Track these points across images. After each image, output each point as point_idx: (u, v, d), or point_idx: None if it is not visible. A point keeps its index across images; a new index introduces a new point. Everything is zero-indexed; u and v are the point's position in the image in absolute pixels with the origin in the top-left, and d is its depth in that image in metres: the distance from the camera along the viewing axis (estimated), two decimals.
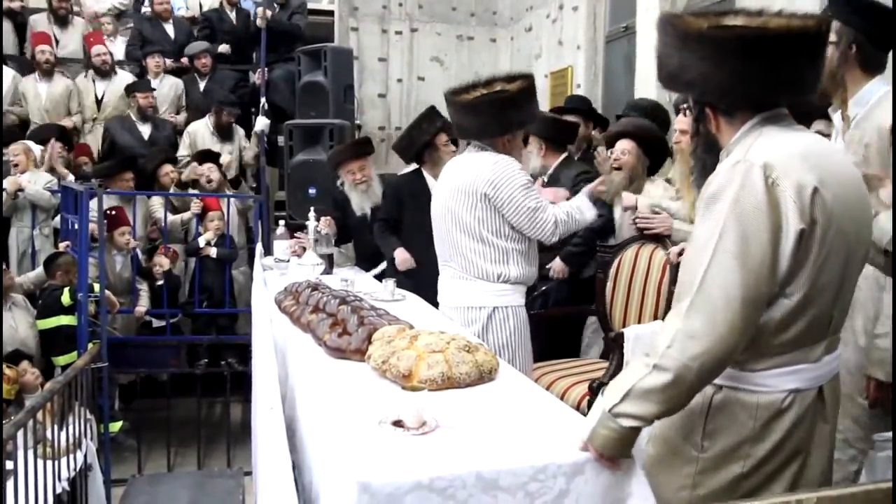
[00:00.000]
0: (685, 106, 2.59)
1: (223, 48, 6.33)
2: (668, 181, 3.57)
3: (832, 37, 2.07)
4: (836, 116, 2.22)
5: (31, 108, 5.89)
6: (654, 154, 3.55)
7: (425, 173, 3.76)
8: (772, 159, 1.42)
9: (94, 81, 6.05)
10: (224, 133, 5.77)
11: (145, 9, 6.72)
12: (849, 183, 1.51)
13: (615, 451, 1.44)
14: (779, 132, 1.50)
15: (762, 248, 1.39)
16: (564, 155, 3.94)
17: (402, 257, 3.68)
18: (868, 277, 2.10)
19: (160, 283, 4.95)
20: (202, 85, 6.19)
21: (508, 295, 2.72)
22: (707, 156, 1.64)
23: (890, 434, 1.88)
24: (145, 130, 5.78)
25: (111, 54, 6.12)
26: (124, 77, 6.16)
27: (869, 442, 2.09)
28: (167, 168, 5.43)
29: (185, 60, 6.32)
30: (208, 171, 5.33)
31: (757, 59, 1.45)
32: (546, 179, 3.83)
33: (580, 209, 2.75)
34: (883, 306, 2.07)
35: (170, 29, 6.52)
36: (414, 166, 3.91)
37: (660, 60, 1.59)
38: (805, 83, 1.52)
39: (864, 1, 2.10)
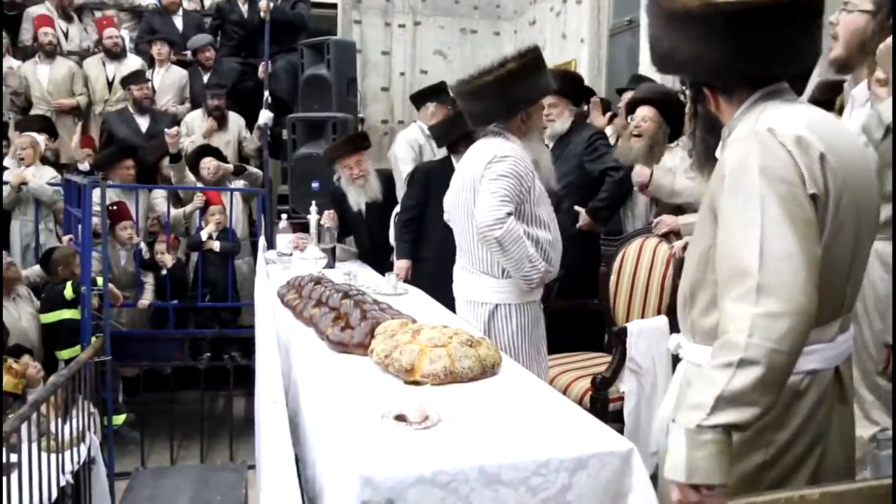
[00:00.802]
0: (681, 89, 2.55)
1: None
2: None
3: (869, 6, 2.02)
4: (858, 90, 2.14)
5: (33, 92, 5.89)
6: (675, 121, 3.49)
7: (455, 163, 3.69)
8: (779, 126, 1.38)
9: (104, 64, 6.04)
10: (219, 122, 5.75)
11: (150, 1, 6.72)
12: (856, 155, 1.47)
13: (721, 470, 1.28)
14: (783, 105, 1.46)
15: (803, 206, 1.33)
16: (571, 118, 3.87)
17: (400, 266, 3.66)
18: (874, 257, 2.09)
19: (164, 272, 4.96)
20: (206, 78, 6.18)
21: (512, 291, 2.63)
22: (709, 136, 1.59)
23: (892, 432, 1.88)
24: (143, 123, 5.74)
25: (122, 38, 6.10)
26: (135, 61, 6.15)
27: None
28: (167, 161, 5.38)
29: (188, 53, 6.32)
30: (208, 163, 5.32)
31: (746, 34, 1.40)
32: (552, 144, 3.75)
33: (542, 245, 2.58)
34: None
35: (178, 22, 6.51)
36: (443, 153, 3.85)
37: (651, 43, 1.55)
38: (802, 54, 1.47)
39: None
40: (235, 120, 5.90)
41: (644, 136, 3.43)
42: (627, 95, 4.05)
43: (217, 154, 5.44)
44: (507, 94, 2.56)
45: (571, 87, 3.81)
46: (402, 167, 4.60)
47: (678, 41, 1.46)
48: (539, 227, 2.60)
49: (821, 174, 1.36)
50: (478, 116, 2.68)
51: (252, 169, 5.63)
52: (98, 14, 6.61)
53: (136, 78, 5.78)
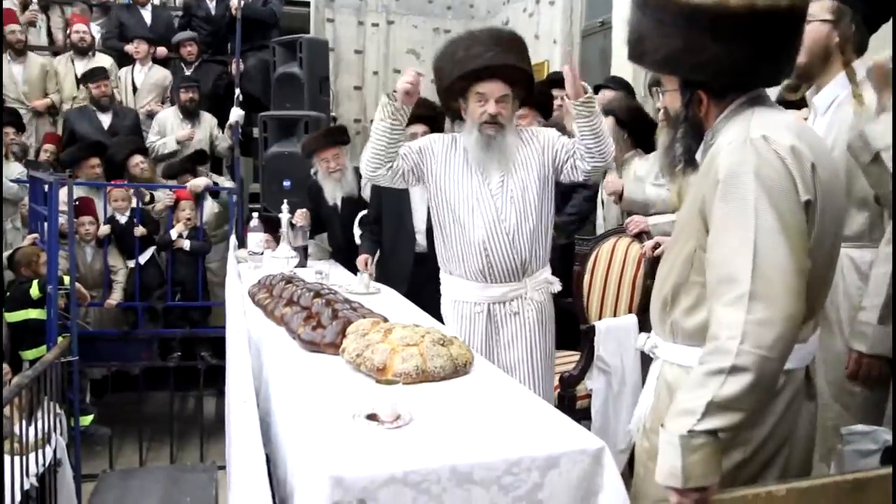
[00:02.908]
0: (658, 88, 2.55)
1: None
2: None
3: (828, 16, 2.08)
4: (819, 98, 2.18)
5: (7, 91, 5.76)
6: (639, 131, 3.54)
7: None
8: (773, 135, 1.40)
9: (72, 61, 5.93)
10: (190, 115, 5.68)
11: None
12: (833, 165, 1.52)
13: (715, 470, 1.32)
14: (770, 112, 1.49)
15: (796, 216, 1.37)
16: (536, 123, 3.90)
17: (359, 259, 3.64)
18: (849, 266, 2.12)
19: (124, 220, 4.91)
20: (188, 73, 6.10)
21: (449, 286, 2.67)
22: (693, 141, 1.59)
23: (858, 427, 1.91)
24: (105, 119, 5.65)
25: (91, 34, 5.99)
26: (103, 59, 6.04)
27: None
28: (137, 158, 5.31)
29: (160, 49, 6.24)
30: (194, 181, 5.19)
31: (770, 36, 1.43)
32: None
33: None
34: (868, 286, 2.09)
35: (147, 16, 6.41)
36: None
37: (654, 42, 1.51)
38: (793, 64, 1.53)
39: None
40: (207, 119, 5.82)
41: None
42: (605, 94, 4.08)
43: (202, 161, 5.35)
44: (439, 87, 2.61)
45: (538, 97, 3.80)
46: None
47: (700, 40, 1.44)
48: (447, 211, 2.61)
49: (811, 182, 1.40)
50: None
51: (224, 185, 5.43)
52: (68, 10, 6.48)
53: (95, 75, 5.65)
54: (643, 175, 3.45)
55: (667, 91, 1.60)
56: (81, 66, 5.91)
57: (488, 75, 2.46)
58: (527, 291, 2.62)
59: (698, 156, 1.58)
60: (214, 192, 5.27)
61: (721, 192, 1.40)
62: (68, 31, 6.02)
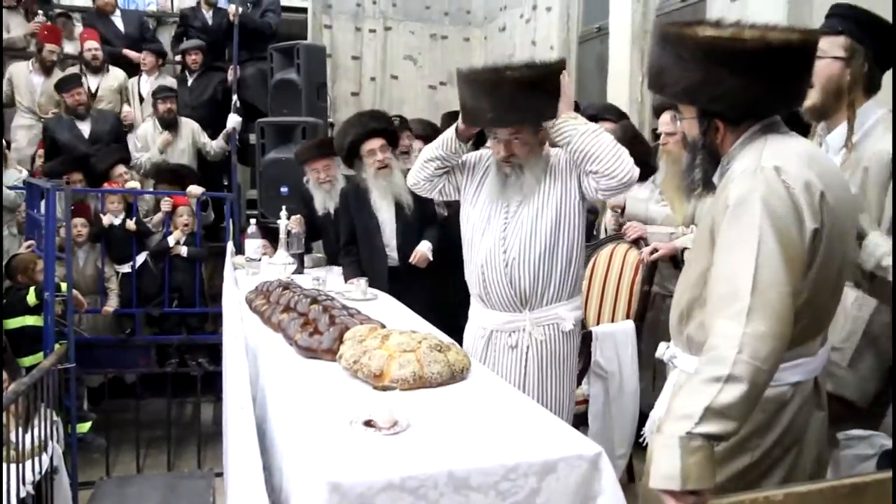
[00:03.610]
0: (676, 114, 2.54)
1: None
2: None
3: (841, 53, 2.08)
4: (833, 136, 2.16)
5: (21, 100, 5.80)
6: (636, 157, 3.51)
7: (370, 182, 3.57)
8: (783, 164, 1.49)
9: (85, 76, 5.91)
10: (168, 125, 5.62)
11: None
12: (843, 186, 1.61)
13: (711, 475, 1.35)
14: (782, 139, 1.57)
15: (796, 245, 1.45)
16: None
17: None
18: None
19: (117, 222, 4.95)
20: (190, 81, 6.10)
21: (473, 307, 2.63)
22: (710, 166, 1.67)
23: (855, 432, 1.92)
24: (85, 128, 5.62)
25: (103, 50, 6.00)
26: (117, 73, 6.06)
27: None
28: (121, 169, 5.29)
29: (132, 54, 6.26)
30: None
31: (787, 69, 1.52)
32: None
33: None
34: (847, 324, 2.07)
35: (119, 22, 6.39)
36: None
37: (674, 75, 1.59)
38: (804, 94, 1.63)
39: (875, 19, 2.09)
40: (188, 125, 5.75)
41: None
42: (604, 126, 4.06)
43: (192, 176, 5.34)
44: None
45: None
46: None
47: (718, 74, 1.52)
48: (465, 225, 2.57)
49: (819, 210, 1.48)
50: None
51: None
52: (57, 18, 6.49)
53: (68, 83, 5.61)
54: (644, 198, 3.45)
55: (685, 118, 1.69)
56: (94, 82, 5.92)
57: None
58: (526, 326, 2.44)
59: (715, 179, 1.67)
60: (205, 204, 5.22)
61: (730, 215, 1.49)
62: (80, 49, 6.01)
